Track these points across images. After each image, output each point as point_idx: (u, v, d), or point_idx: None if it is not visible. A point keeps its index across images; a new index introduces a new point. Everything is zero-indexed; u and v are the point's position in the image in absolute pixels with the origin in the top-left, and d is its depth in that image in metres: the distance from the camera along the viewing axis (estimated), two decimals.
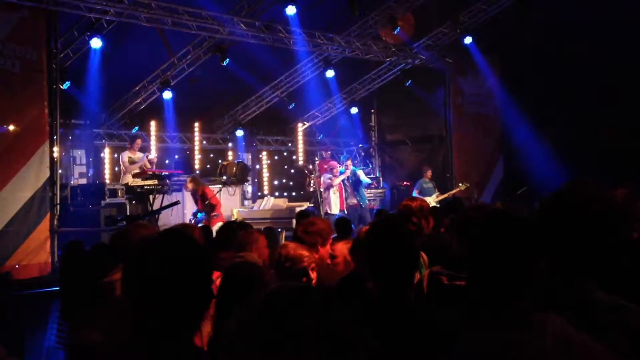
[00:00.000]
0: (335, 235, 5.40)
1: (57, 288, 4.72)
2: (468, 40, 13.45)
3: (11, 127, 8.65)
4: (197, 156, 14.34)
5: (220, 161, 13.81)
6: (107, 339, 3.71)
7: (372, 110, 16.73)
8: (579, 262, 1.81)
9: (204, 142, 14.71)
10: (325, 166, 12.98)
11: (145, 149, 12.61)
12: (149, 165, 11.41)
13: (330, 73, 13.45)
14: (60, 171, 9.72)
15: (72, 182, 11.65)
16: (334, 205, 11.82)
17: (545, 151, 13.08)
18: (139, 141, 11.59)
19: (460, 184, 12.95)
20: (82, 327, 4.31)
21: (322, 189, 12.10)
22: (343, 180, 12.15)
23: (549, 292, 1.75)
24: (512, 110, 13.76)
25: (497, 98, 14.51)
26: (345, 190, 12.34)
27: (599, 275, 1.82)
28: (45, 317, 6.72)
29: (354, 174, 12.41)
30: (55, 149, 9.17)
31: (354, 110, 15.79)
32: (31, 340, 6.17)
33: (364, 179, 12.54)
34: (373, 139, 16.86)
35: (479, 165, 14.56)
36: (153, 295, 1.60)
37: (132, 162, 11.31)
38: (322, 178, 12.14)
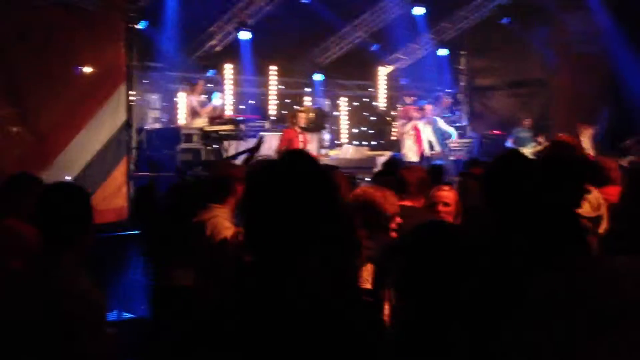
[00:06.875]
0: None
1: (135, 231, 4.86)
2: None
3: (88, 68, 8.83)
4: (275, 101, 14.32)
5: (295, 107, 13.74)
6: (200, 281, 3.81)
7: (462, 52, 16.09)
8: None
9: (281, 87, 14.66)
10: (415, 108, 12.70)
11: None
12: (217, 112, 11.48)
13: (419, 10, 12.92)
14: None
15: (146, 127, 11.92)
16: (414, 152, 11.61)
17: None
18: (201, 83, 11.65)
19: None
20: (173, 269, 4.46)
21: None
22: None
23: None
24: (624, 50, 12.83)
25: (608, 37, 13.55)
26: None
27: None
28: (124, 257, 7.01)
29: (435, 122, 12.19)
30: (132, 92, 9.35)
31: (443, 52, 15.20)
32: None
33: (447, 127, 12.29)
34: (462, 83, 16.27)
35: (582, 112, 13.79)
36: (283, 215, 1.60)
37: (201, 105, 11.41)
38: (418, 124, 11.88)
